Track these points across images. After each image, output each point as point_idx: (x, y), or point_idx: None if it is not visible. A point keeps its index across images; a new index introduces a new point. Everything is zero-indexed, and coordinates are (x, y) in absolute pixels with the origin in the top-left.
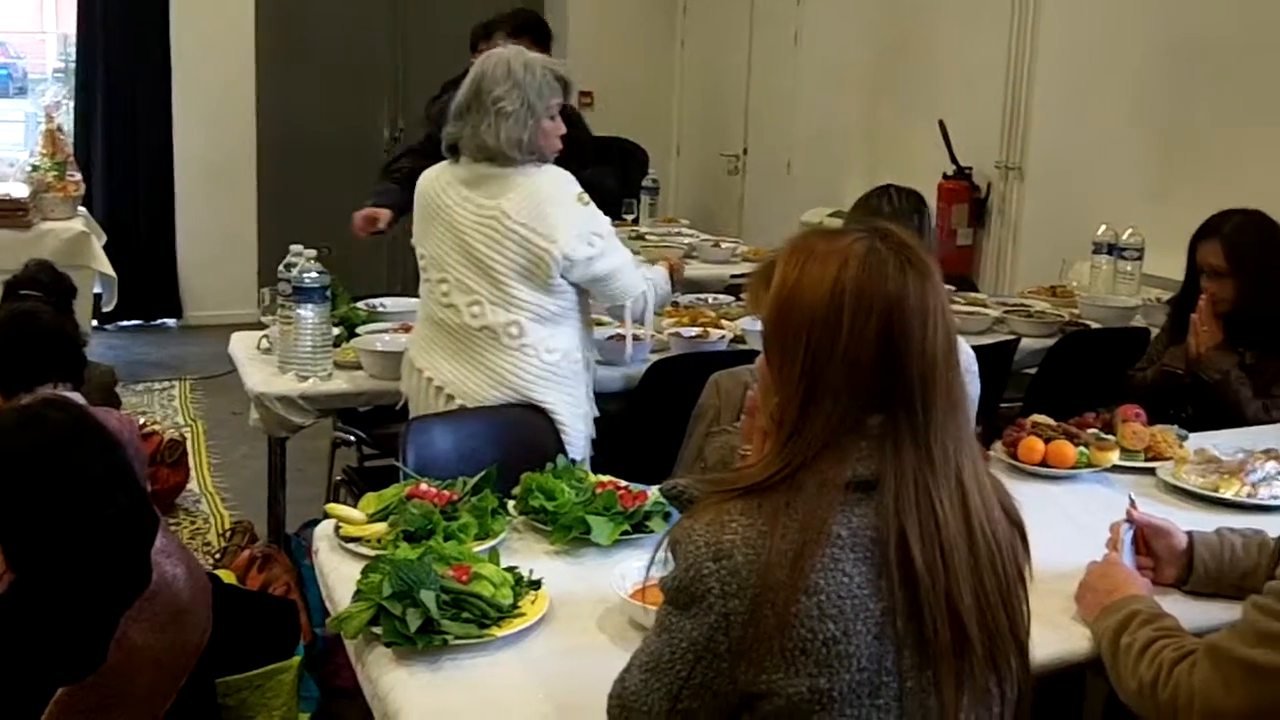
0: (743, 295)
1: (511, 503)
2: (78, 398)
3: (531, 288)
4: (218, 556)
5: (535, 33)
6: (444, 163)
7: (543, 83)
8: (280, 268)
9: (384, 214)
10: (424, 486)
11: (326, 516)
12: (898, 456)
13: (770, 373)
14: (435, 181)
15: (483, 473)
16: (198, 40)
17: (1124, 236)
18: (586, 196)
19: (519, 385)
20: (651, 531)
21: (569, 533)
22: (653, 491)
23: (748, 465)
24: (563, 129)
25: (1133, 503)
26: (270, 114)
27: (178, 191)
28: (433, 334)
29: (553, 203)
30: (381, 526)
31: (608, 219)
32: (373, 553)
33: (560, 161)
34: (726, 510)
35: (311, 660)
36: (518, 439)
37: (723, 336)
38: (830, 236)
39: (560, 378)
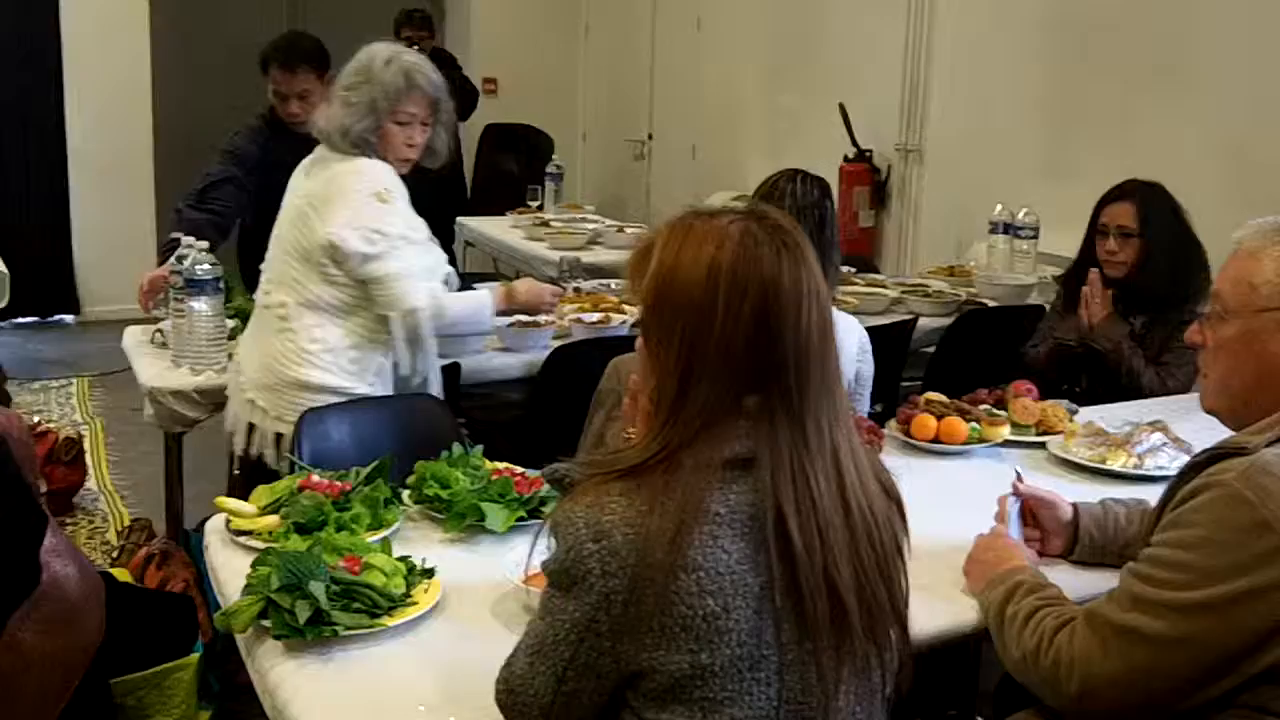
0: None
1: (406, 492)
2: None
3: (306, 270)
4: (115, 555)
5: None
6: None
7: (399, 87)
8: (172, 260)
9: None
10: (315, 478)
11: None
12: (773, 435)
13: (648, 355)
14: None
15: (375, 462)
16: (90, 30)
17: (1019, 216)
18: (390, 195)
19: (276, 368)
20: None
21: (463, 520)
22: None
23: (628, 447)
24: (415, 139)
25: (1019, 476)
26: (167, 107)
27: (72, 186)
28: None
29: (343, 191)
30: (273, 519)
31: (409, 223)
32: (263, 546)
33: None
34: (606, 492)
35: (212, 658)
36: (414, 428)
37: (624, 322)
38: (706, 218)
39: (320, 370)
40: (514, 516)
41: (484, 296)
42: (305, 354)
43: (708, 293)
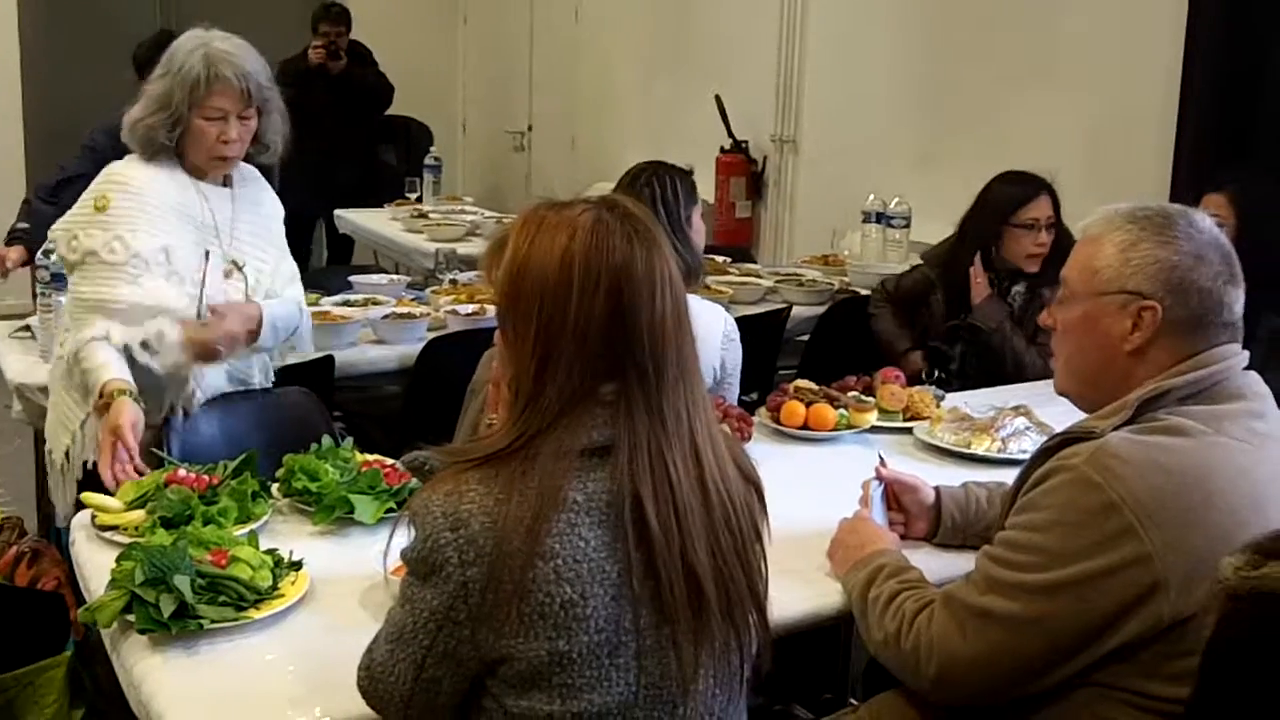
0: None
1: (275, 485)
2: None
3: None
4: None
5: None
6: None
7: (200, 77)
8: (39, 254)
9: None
10: (182, 472)
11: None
12: (631, 422)
13: (506, 345)
14: None
15: (243, 455)
16: None
17: (891, 205)
18: (105, 200)
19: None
20: None
21: (332, 513)
22: (400, 463)
23: (489, 435)
24: (230, 135)
25: (882, 460)
26: (38, 97)
27: None
28: None
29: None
30: (139, 514)
31: (107, 242)
32: (129, 541)
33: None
34: (464, 480)
35: (84, 656)
36: (284, 421)
37: None
38: (559, 208)
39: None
40: (383, 508)
41: (100, 378)
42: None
43: (561, 281)
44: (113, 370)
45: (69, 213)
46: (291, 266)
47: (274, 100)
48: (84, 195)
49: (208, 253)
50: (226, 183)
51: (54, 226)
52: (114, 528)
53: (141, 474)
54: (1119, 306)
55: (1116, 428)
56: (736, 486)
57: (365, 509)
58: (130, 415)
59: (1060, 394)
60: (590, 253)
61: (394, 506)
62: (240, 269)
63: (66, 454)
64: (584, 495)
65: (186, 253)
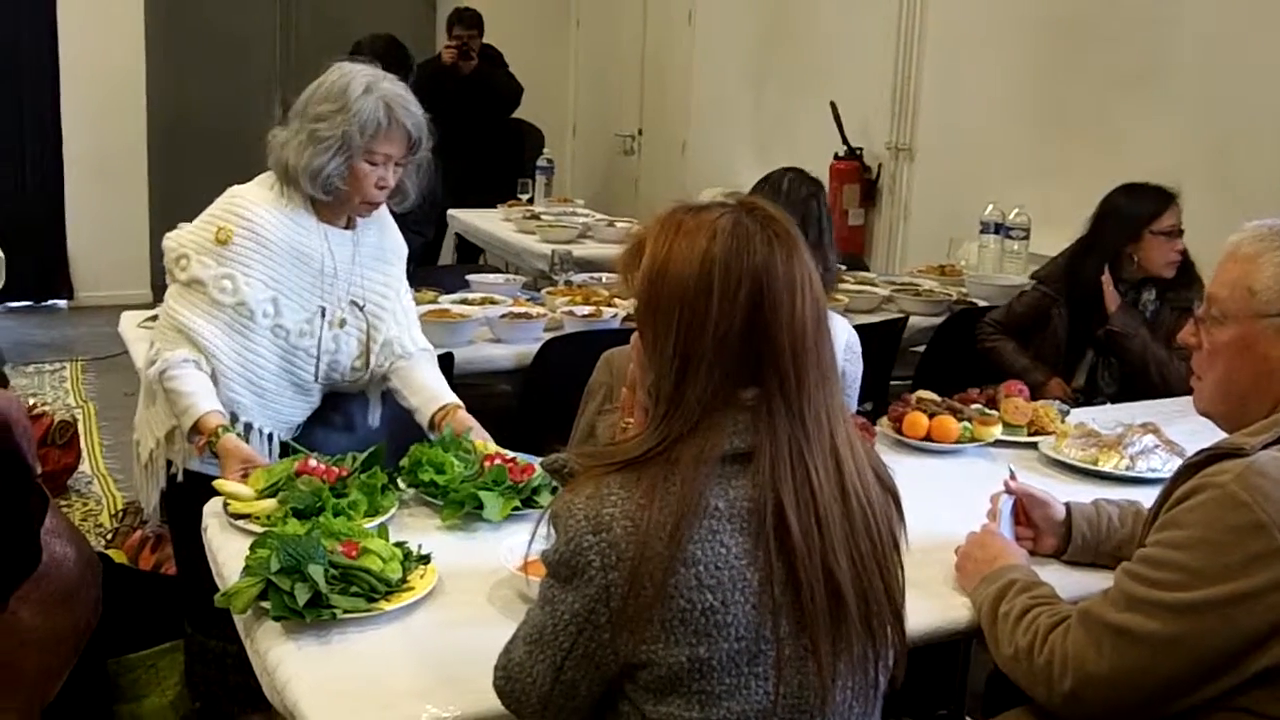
0: None
1: (400, 478)
2: None
3: None
4: (109, 537)
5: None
6: None
7: (378, 122)
8: None
9: None
10: (313, 462)
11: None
12: (772, 427)
13: (644, 349)
14: None
15: (371, 449)
16: (85, 22)
17: (1010, 216)
18: (228, 235)
19: None
20: (540, 506)
21: (460, 509)
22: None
23: (627, 439)
24: (388, 181)
25: (1012, 474)
26: (160, 95)
27: (66, 171)
28: None
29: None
30: (270, 503)
31: (218, 274)
32: (261, 529)
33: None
34: (606, 484)
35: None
36: (401, 418)
37: (615, 315)
38: (697, 211)
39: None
40: (510, 505)
41: (192, 412)
42: None
43: (701, 285)
44: (205, 402)
45: (188, 227)
46: (411, 306)
47: (426, 150)
48: (207, 214)
49: (323, 309)
50: (349, 224)
51: (170, 236)
52: (245, 516)
53: None
54: (1277, 330)
55: (1265, 445)
56: (876, 493)
57: (493, 506)
58: (246, 450)
59: (1204, 414)
60: (730, 256)
61: (519, 505)
62: (361, 308)
63: (150, 456)
64: (725, 502)
65: (298, 303)
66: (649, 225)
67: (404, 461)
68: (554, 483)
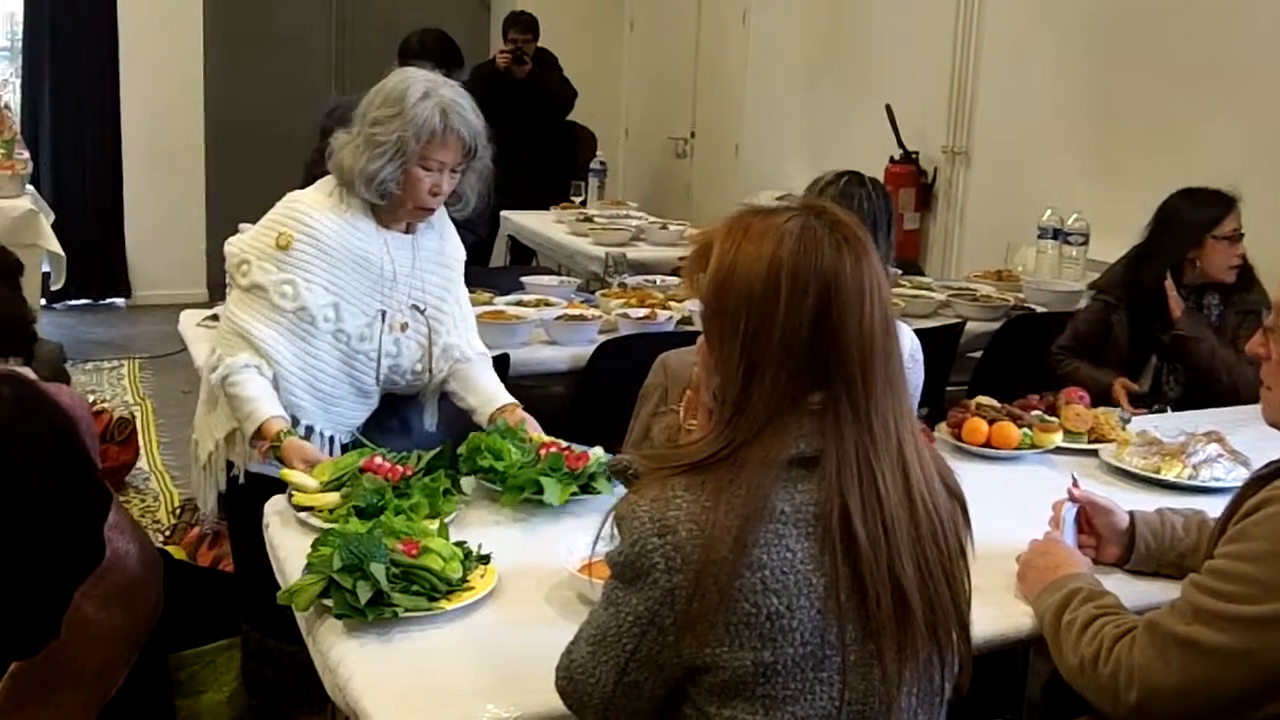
0: None
1: (463, 480)
2: (28, 373)
3: None
4: (168, 534)
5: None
6: None
7: (434, 129)
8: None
9: None
10: (379, 459)
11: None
12: (839, 432)
13: (710, 352)
14: None
15: (438, 449)
16: (145, 22)
17: (1069, 221)
18: (288, 240)
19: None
20: (597, 492)
21: (520, 493)
22: (594, 453)
23: (692, 442)
24: (442, 187)
25: (1075, 482)
26: (218, 95)
27: (125, 171)
28: None
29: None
30: (334, 497)
31: (279, 280)
32: (324, 525)
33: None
34: (671, 486)
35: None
36: (457, 415)
37: (670, 318)
38: (765, 215)
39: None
40: (569, 490)
41: (255, 416)
42: None
43: (769, 288)
44: (267, 407)
45: (249, 232)
46: (469, 311)
47: (485, 158)
48: (267, 219)
49: (383, 313)
50: (409, 229)
51: (231, 241)
52: (309, 509)
53: None
54: None
55: None
56: (942, 500)
57: (553, 491)
58: (310, 450)
59: (1273, 425)
60: (798, 260)
61: (577, 490)
62: (422, 312)
63: (209, 459)
64: (791, 506)
65: (358, 308)
66: (716, 228)
67: (462, 449)
68: (608, 471)
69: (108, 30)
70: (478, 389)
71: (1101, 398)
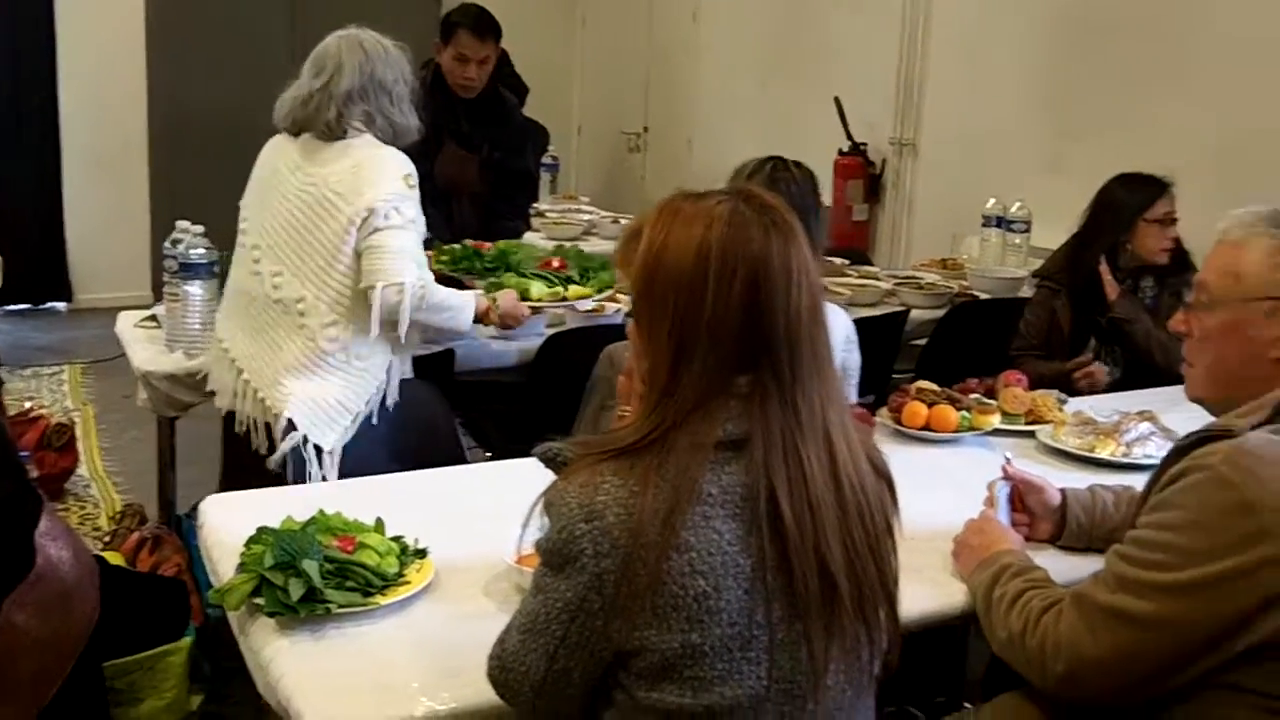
0: None
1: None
2: None
3: (328, 261)
4: (107, 540)
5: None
6: (284, 135)
7: (409, 68)
8: (166, 244)
9: None
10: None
11: None
12: (765, 415)
13: (640, 336)
14: (277, 151)
15: None
16: (84, 19)
17: (1012, 209)
18: (413, 181)
19: (292, 365)
20: None
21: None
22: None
23: (622, 426)
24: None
25: (1008, 461)
26: (162, 88)
27: (65, 175)
28: (236, 303)
29: (381, 170)
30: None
31: (416, 215)
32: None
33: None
34: (599, 472)
35: (204, 641)
36: (409, 415)
37: (618, 310)
38: (695, 199)
39: (330, 369)
40: None
41: (469, 298)
42: (322, 354)
43: (697, 272)
44: (463, 293)
45: (380, 187)
46: None
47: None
48: (388, 168)
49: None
50: None
51: (370, 199)
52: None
53: None
54: (1265, 313)
55: (1254, 426)
56: (870, 480)
57: None
58: (523, 306)
59: (1194, 400)
60: (727, 244)
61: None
62: None
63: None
64: (718, 488)
65: None
66: (647, 213)
67: None
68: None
69: (45, 30)
70: None
71: (1062, 386)
